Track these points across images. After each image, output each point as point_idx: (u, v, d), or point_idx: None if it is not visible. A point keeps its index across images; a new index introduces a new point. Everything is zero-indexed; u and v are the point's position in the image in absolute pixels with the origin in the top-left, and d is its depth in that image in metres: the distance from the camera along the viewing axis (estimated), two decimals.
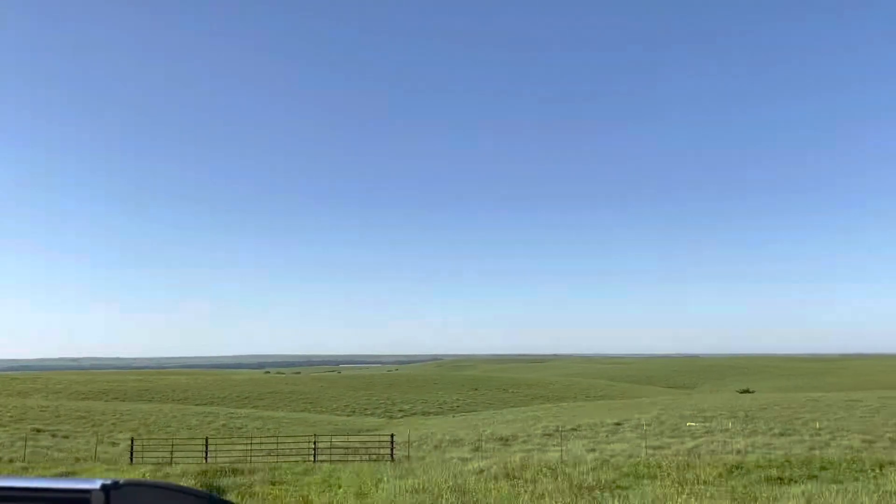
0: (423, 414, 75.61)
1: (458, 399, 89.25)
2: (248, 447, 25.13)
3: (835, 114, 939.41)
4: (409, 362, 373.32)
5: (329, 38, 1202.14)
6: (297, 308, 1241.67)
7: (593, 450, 26.39)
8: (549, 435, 33.51)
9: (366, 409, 77.59)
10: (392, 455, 23.82)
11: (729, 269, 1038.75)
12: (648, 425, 34.52)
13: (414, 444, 32.59)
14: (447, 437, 34.42)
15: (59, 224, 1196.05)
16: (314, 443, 23.85)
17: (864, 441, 24.56)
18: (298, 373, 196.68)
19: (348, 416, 71.36)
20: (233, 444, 31.55)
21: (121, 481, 2.46)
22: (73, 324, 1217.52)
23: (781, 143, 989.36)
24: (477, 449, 28.79)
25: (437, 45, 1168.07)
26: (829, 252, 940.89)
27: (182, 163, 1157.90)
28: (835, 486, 15.02)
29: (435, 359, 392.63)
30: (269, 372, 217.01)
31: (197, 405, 71.35)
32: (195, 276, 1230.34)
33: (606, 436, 31.76)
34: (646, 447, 26.07)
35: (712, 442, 26.33)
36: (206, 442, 24.48)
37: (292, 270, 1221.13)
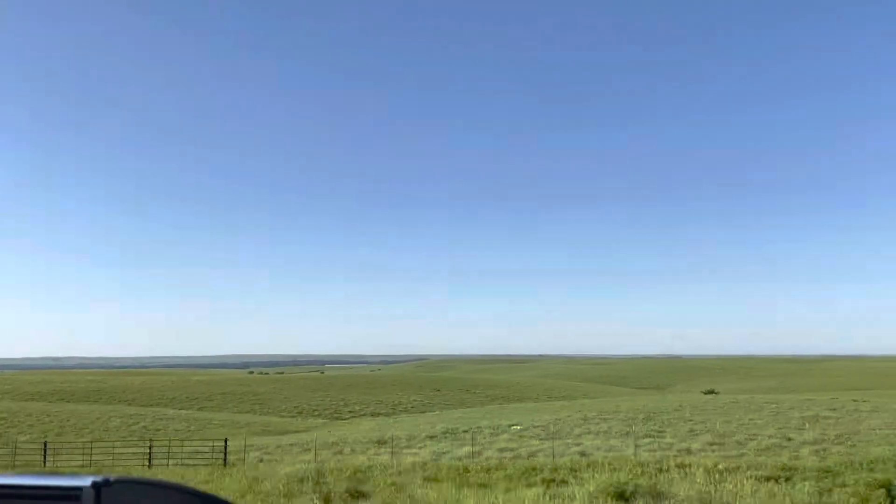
0: (373, 415, 75.22)
1: (415, 400, 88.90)
2: (90, 451, 24.84)
3: (835, 114, 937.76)
4: (395, 362, 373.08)
5: (329, 38, 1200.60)
6: (296, 308, 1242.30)
7: (444, 453, 26.16)
8: (433, 437, 33.27)
9: (315, 410, 77.26)
10: (225, 460, 23.58)
11: (728, 269, 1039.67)
12: (536, 427, 34.30)
13: (291, 447, 32.34)
14: (324, 441, 34.15)
15: (59, 224, 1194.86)
16: (150, 447, 23.65)
17: (708, 443, 24.32)
18: (282, 373, 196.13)
19: (293, 417, 71.02)
20: (114, 446, 31.25)
21: (111, 478, 2.52)
22: (73, 324, 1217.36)
23: (781, 144, 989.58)
24: (339, 452, 28.55)
25: (437, 45, 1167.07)
26: (829, 252, 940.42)
27: (182, 163, 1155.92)
28: (576, 489, 14.81)
29: (421, 359, 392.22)
30: (252, 372, 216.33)
31: (141, 406, 70.97)
32: (195, 276, 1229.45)
33: (485, 438, 31.50)
34: (497, 450, 25.87)
35: (563, 445, 26.11)
36: (45, 445, 24.26)
37: (292, 270, 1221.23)
